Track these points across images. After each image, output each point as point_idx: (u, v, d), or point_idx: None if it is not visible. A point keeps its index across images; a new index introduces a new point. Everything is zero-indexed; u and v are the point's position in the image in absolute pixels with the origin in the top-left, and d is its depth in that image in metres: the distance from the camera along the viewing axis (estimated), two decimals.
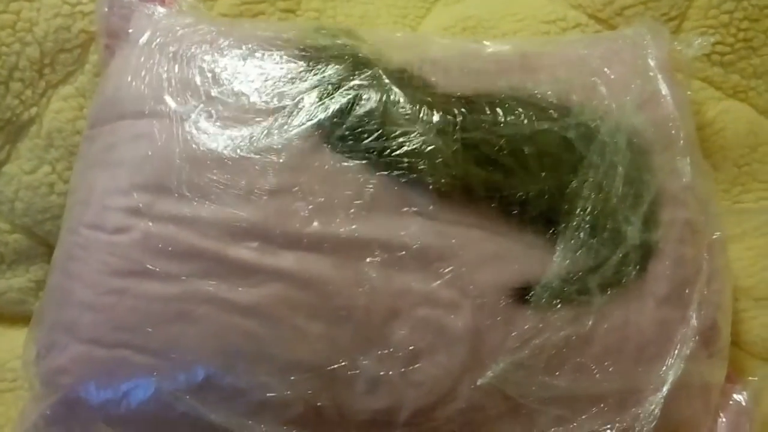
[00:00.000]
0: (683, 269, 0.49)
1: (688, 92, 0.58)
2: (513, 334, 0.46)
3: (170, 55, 0.50)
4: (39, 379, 0.48)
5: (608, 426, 0.47)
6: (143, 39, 0.51)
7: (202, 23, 0.52)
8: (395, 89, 0.49)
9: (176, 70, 0.49)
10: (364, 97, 0.49)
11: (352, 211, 0.46)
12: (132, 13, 0.53)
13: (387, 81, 0.49)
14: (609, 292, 0.47)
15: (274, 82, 0.49)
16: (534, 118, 0.49)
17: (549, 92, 0.51)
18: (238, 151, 0.47)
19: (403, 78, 0.50)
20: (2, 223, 0.60)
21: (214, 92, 0.48)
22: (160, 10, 0.54)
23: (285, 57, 0.50)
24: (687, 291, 0.49)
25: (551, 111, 0.50)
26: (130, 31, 0.52)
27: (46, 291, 0.50)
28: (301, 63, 0.50)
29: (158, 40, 0.51)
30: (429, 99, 0.49)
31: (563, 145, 0.49)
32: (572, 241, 0.47)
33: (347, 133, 0.48)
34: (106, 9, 0.55)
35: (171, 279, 0.45)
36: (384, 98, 0.48)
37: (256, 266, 0.45)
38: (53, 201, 0.59)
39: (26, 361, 0.49)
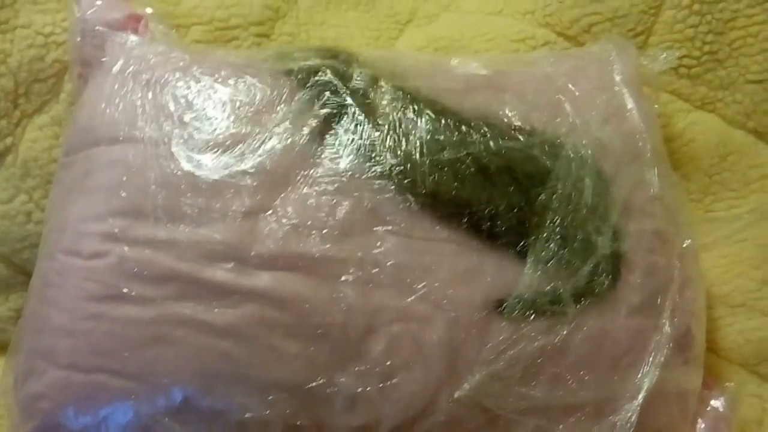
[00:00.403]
0: (654, 278, 0.50)
1: (656, 105, 0.59)
2: (488, 346, 0.46)
3: (143, 82, 0.50)
4: (18, 405, 0.48)
5: None
6: (116, 67, 0.52)
7: (174, 51, 0.53)
8: (365, 114, 0.50)
9: (150, 96, 0.50)
10: (335, 122, 0.50)
11: (325, 231, 0.47)
12: (105, 42, 0.54)
13: (357, 108, 0.50)
14: (582, 303, 0.48)
15: (247, 107, 0.49)
16: (499, 137, 0.50)
17: (514, 112, 0.52)
18: (212, 174, 0.47)
19: (375, 89, 0.51)
20: None
21: (187, 117, 0.49)
22: (133, 38, 0.54)
23: (257, 83, 0.51)
24: (659, 299, 0.50)
25: (515, 131, 0.51)
26: (104, 59, 0.53)
27: (23, 318, 0.50)
28: (274, 89, 0.50)
29: (131, 68, 0.51)
30: (399, 115, 0.50)
31: (529, 160, 0.50)
32: (543, 253, 0.48)
33: (318, 157, 0.48)
34: (79, 38, 0.55)
35: (147, 302, 0.45)
36: (354, 122, 0.49)
37: (231, 287, 0.45)
38: (30, 230, 0.59)
39: (5, 388, 0.49)
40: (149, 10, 0.57)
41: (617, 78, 0.56)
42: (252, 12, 0.64)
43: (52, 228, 0.50)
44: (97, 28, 0.55)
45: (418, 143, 0.49)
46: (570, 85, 0.55)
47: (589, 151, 0.51)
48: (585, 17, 0.65)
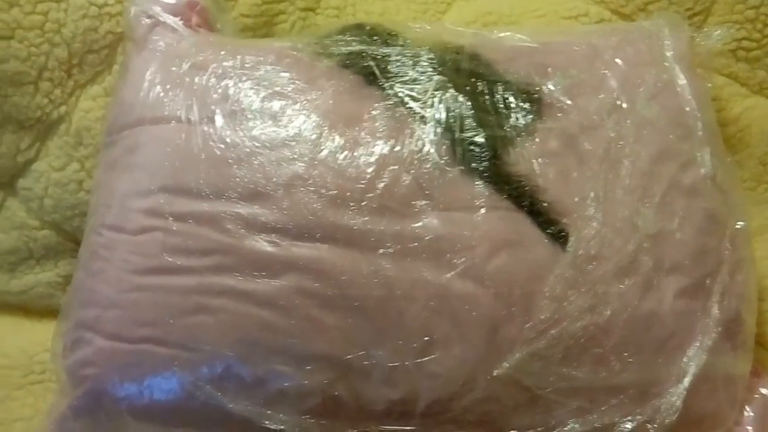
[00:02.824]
0: (704, 259, 0.49)
1: (709, 85, 0.57)
2: (529, 324, 0.46)
3: (189, 62, 0.51)
4: (66, 372, 0.49)
5: (629, 417, 0.46)
6: (163, 47, 0.52)
7: (224, 39, 0.54)
8: (404, 92, 0.50)
9: (194, 74, 0.50)
10: (376, 99, 0.50)
11: (364, 203, 0.46)
12: (156, 23, 0.54)
13: (397, 87, 0.50)
14: (626, 283, 0.47)
15: (290, 83, 0.50)
16: (536, 116, 0.49)
17: (558, 87, 0.51)
18: (255, 147, 0.48)
19: (416, 67, 0.51)
20: (32, 219, 0.62)
21: (231, 91, 0.49)
22: (183, 26, 0.55)
23: (300, 62, 0.51)
24: (708, 281, 0.48)
25: (556, 107, 0.50)
26: (155, 38, 0.53)
27: (71, 289, 0.51)
28: (315, 67, 0.51)
29: (178, 50, 0.52)
30: (439, 91, 0.50)
31: (567, 139, 0.49)
32: (585, 231, 0.47)
33: (358, 130, 0.48)
34: (132, 14, 0.56)
35: (190, 272, 0.46)
36: (395, 99, 0.49)
37: (271, 258, 0.46)
38: (81, 198, 0.61)
39: (54, 354, 0.51)
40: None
41: (668, 54, 0.55)
42: None
43: (98, 203, 0.51)
44: (153, 7, 0.55)
45: (458, 120, 0.48)
46: (617, 59, 0.53)
47: (632, 132, 0.50)
48: None
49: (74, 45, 0.60)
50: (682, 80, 0.53)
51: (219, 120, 0.48)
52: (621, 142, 0.49)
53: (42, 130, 0.61)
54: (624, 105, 0.51)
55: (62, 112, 0.61)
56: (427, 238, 0.46)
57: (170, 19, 0.55)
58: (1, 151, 0.61)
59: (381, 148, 0.47)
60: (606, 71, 0.52)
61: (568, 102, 0.50)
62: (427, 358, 0.45)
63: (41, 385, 0.59)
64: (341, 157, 0.47)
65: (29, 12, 0.59)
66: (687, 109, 0.52)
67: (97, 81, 0.62)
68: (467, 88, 0.50)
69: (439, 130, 0.48)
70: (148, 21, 0.55)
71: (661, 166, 0.50)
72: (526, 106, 0.50)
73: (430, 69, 0.51)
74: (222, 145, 0.48)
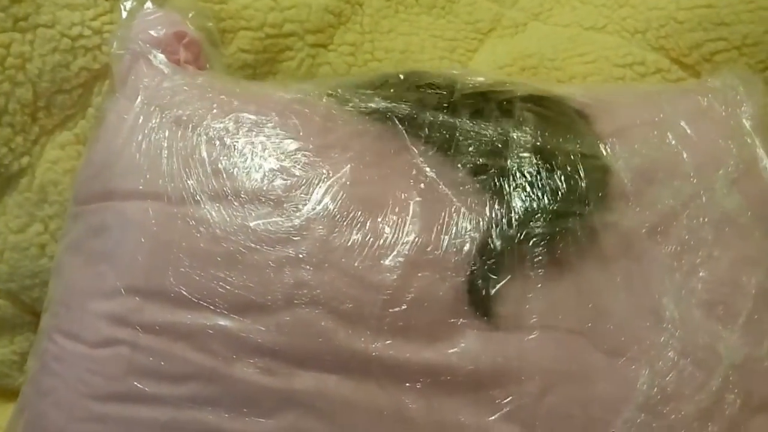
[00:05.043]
0: None
1: None
2: None
3: (172, 119, 0.41)
4: None
5: None
6: (143, 96, 0.43)
7: (215, 84, 0.44)
8: (436, 172, 0.40)
9: (179, 136, 0.41)
10: (403, 178, 0.40)
11: (387, 320, 0.37)
12: (136, 59, 0.45)
13: (428, 167, 0.40)
14: (710, 429, 0.38)
15: (297, 154, 0.40)
16: (605, 205, 0.40)
17: (626, 170, 0.42)
18: (250, 241, 0.38)
19: (452, 140, 0.42)
20: None
21: (222, 165, 0.40)
22: (167, 63, 0.45)
23: (311, 124, 0.41)
24: None
25: (624, 196, 0.41)
26: (133, 78, 0.44)
27: (18, 403, 0.42)
28: (330, 131, 0.41)
29: (160, 95, 0.42)
30: (488, 161, 0.41)
31: (636, 240, 0.40)
32: (660, 363, 0.38)
33: (379, 222, 0.39)
34: (115, 48, 0.47)
35: (162, 403, 0.37)
36: (426, 180, 0.40)
37: (265, 390, 0.36)
38: (44, 265, 0.52)
39: None
40: (193, 29, 0.48)
41: (747, 124, 0.46)
42: (310, 17, 0.56)
43: (54, 295, 0.42)
44: (137, 40, 0.46)
45: (511, 211, 0.39)
46: (691, 133, 0.44)
47: (712, 230, 0.41)
48: (708, 43, 0.54)
49: (41, 84, 0.51)
50: (764, 158, 0.45)
51: (206, 203, 0.39)
52: (697, 245, 0.40)
53: None
54: (702, 195, 0.42)
55: (24, 163, 0.52)
56: (466, 369, 0.37)
57: (153, 55, 0.45)
58: None
59: (410, 246, 0.38)
60: (681, 150, 0.43)
61: (638, 190, 0.41)
62: None
63: None
64: (359, 258, 0.38)
65: None
66: None
67: (67, 126, 0.53)
68: (519, 160, 0.40)
69: (483, 223, 0.39)
70: (128, 57, 0.46)
71: (744, 274, 0.41)
72: (597, 193, 0.40)
73: (476, 134, 0.41)
74: (209, 238, 0.38)
